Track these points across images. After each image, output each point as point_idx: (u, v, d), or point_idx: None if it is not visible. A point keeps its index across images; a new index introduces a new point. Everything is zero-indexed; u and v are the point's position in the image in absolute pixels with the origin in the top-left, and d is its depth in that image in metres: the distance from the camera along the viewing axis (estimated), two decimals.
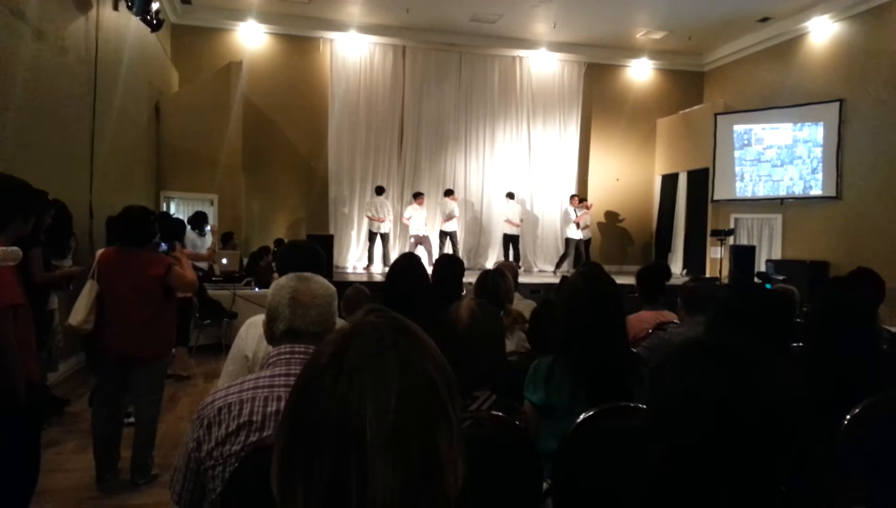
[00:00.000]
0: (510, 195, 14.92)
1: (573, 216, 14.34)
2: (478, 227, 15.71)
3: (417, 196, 14.32)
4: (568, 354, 2.75)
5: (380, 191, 14.07)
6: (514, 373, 2.94)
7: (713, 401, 1.14)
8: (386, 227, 14.08)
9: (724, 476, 1.13)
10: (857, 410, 2.44)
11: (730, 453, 1.12)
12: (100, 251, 4.56)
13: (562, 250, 15.05)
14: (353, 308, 4.28)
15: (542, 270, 15.54)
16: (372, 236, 14.09)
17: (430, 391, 0.84)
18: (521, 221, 14.85)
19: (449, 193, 14.59)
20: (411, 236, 14.31)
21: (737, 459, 1.12)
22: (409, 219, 14.20)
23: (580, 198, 15.00)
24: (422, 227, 14.21)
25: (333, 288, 2.30)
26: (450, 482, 0.82)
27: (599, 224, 16.49)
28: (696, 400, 1.16)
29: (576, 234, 14.37)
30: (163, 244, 4.97)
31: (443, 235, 14.39)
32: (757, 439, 1.11)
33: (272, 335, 2.20)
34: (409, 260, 4.23)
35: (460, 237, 15.08)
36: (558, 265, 14.75)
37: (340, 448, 0.78)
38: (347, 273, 13.52)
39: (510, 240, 14.73)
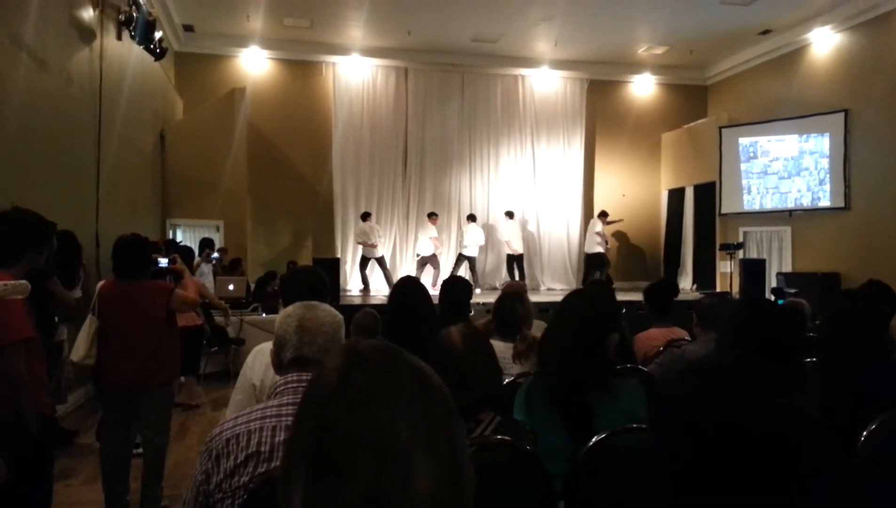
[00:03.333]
0: (509, 214, 14.90)
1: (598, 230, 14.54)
2: (484, 247, 15.65)
3: (431, 216, 14.39)
4: (542, 375, 2.75)
5: (365, 217, 13.99)
6: None
7: (710, 419, 1.12)
8: (380, 251, 14.04)
9: (728, 495, 1.11)
10: (873, 426, 2.41)
11: (732, 472, 1.10)
12: (100, 284, 4.54)
13: (572, 268, 15.09)
14: (364, 332, 4.26)
15: (550, 288, 15.49)
16: (365, 262, 14.03)
17: (444, 392, 0.89)
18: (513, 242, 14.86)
19: (473, 218, 14.65)
20: (417, 255, 14.35)
21: (740, 478, 1.09)
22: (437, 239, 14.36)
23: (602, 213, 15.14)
24: (429, 247, 14.23)
25: (340, 316, 2.29)
26: (471, 474, 0.86)
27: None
28: (692, 418, 1.14)
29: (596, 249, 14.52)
30: (161, 260, 4.91)
31: (462, 258, 14.41)
32: (758, 457, 1.09)
33: (280, 363, 2.20)
34: (410, 284, 4.23)
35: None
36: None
37: (379, 458, 0.79)
38: (354, 296, 13.49)
39: (514, 260, 14.72)
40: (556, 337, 2.78)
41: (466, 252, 14.34)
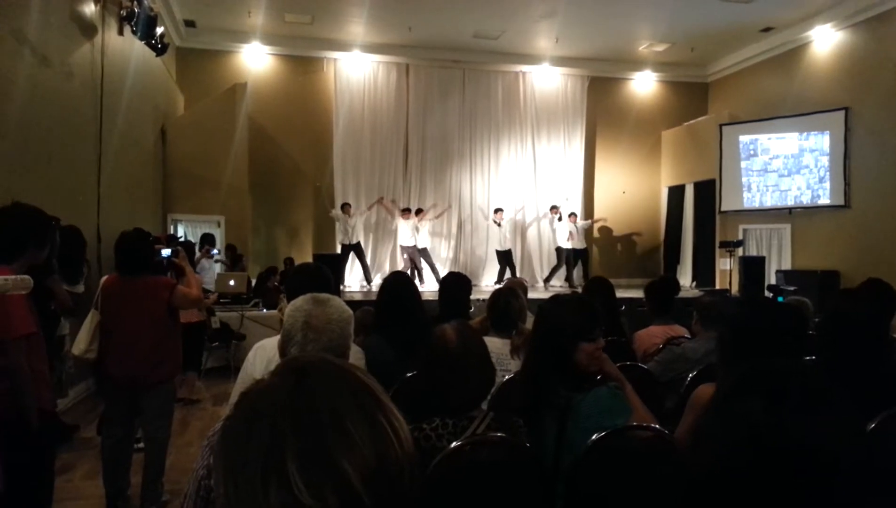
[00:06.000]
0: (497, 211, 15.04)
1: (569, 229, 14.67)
2: (483, 243, 15.72)
3: (404, 212, 14.50)
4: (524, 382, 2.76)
5: (344, 207, 14.17)
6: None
7: (746, 433, 1.11)
8: (354, 240, 14.13)
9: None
10: (872, 425, 2.41)
11: (765, 486, 1.09)
12: (103, 279, 4.54)
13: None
14: (363, 330, 4.27)
15: (549, 285, 15.49)
16: (345, 252, 14.19)
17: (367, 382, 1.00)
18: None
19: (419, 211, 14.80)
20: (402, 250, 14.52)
21: (771, 493, 1.08)
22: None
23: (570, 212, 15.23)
24: (407, 239, 14.29)
25: (350, 312, 2.28)
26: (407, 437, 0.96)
27: (606, 237, 16.54)
28: (732, 431, 1.14)
29: (566, 244, 14.63)
30: (163, 252, 4.89)
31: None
32: (795, 474, 1.08)
33: (285, 356, 2.19)
34: (398, 280, 4.24)
35: (461, 253, 15.48)
36: (548, 279, 15.13)
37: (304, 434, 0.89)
38: (354, 292, 13.51)
39: (503, 257, 14.88)
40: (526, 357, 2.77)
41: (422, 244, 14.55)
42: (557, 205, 15.19)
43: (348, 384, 0.97)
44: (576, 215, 15.15)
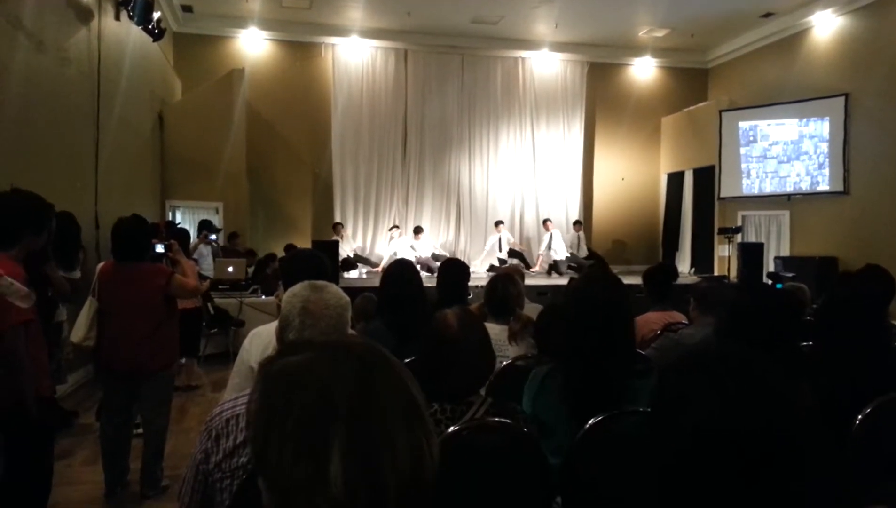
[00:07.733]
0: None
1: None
2: (482, 229, 15.72)
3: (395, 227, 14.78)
4: (566, 365, 2.67)
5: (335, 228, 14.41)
6: (520, 377, 2.91)
7: (701, 416, 1.11)
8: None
9: (726, 490, 1.09)
10: (868, 409, 2.42)
11: (730, 468, 1.08)
12: (100, 266, 4.54)
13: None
14: (363, 317, 4.28)
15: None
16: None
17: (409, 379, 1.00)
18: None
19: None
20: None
21: (737, 474, 1.08)
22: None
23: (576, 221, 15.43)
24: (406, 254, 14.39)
25: (347, 298, 2.27)
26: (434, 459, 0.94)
27: (605, 223, 16.56)
28: (687, 414, 1.13)
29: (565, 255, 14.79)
30: (158, 246, 4.88)
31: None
32: (754, 455, 1.07)
33: (283, 343, 2.19)
34: (402, 266, 4.24)
35: (460, 239, 15.65)
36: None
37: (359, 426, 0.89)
38: (352, 278, 13.51)
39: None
40: (579, 331, 2.64)
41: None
42: (549, 219, 15.30)
43: (404, 390, 0.97)
44: (580, 224, 15.26)
